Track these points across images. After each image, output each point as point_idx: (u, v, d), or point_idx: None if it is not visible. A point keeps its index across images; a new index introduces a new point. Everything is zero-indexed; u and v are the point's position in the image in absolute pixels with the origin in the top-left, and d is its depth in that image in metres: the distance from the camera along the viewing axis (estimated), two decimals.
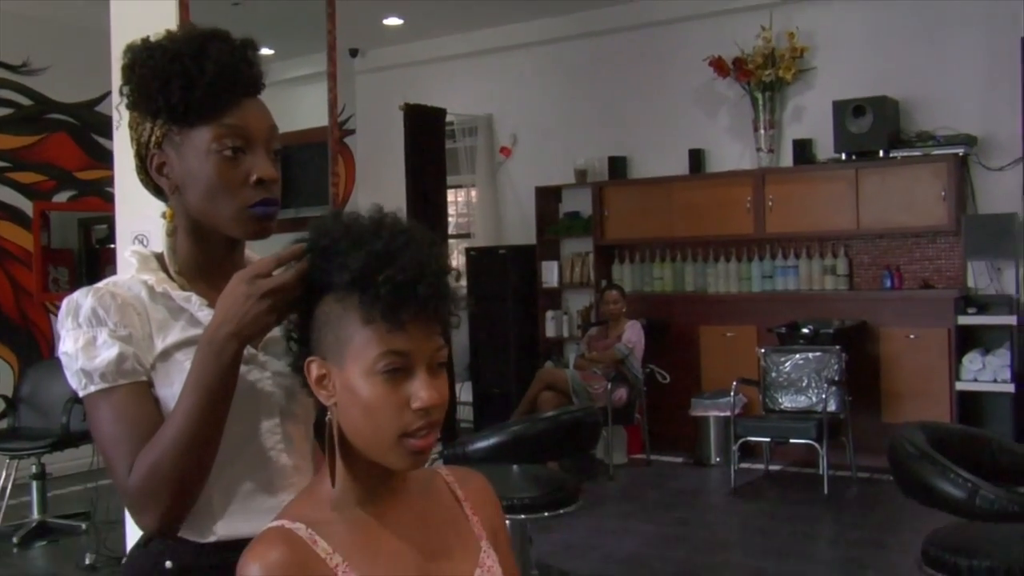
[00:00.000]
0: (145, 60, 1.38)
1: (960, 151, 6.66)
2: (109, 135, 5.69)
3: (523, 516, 3.95)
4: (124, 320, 1.38)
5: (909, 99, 6.98)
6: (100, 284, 1.42)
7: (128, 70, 1.41)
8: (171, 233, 1.46)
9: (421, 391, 1.17)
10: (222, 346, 1.30)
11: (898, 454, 3.24)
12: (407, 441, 1.18)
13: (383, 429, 1.17)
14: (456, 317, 1.24)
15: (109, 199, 6.74)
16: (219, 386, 1.32)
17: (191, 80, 1.37)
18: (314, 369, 1.23)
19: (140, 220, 4.00)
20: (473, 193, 9.15)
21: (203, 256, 1.47)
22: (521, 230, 8.66)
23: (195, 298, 1.43)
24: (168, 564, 1.39)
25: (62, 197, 7.68)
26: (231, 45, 1.40)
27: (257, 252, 1.55)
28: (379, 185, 8.49)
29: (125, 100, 1.43)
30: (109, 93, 5.10)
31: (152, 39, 1.41)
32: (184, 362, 1.37)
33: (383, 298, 1.15)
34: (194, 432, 1.31)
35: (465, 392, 8.45)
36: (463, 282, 8.54)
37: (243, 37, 1.43)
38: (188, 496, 1.35)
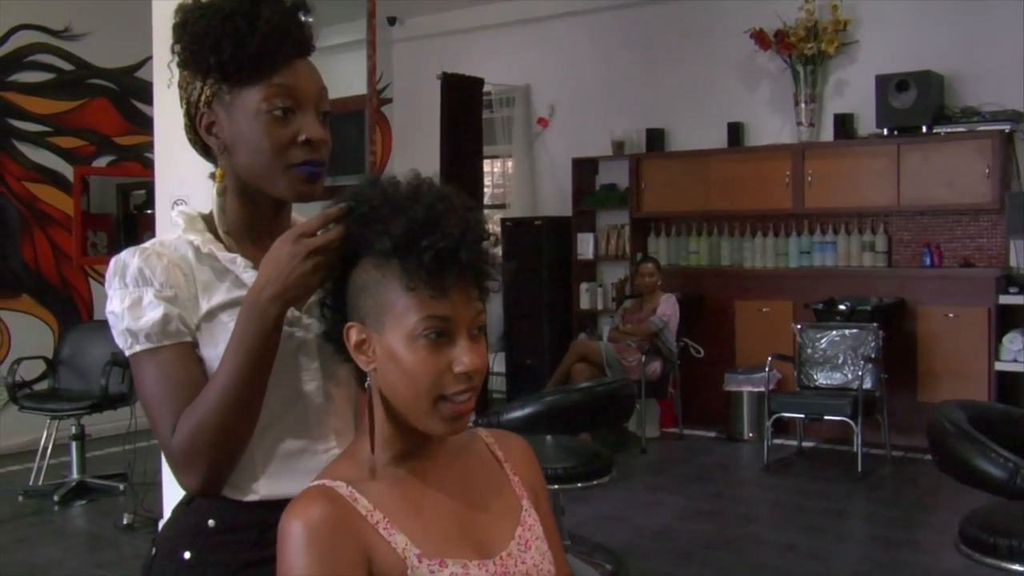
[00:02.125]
0: (197, 19, 1.38)
1: (1006, 128, 6.54)
2: (149, 101, 5.72)
3: (556, 487, 3.97)
4: (170, 281, 1.39)
5: (954, 74, 6.85)
6: (147, 244, 1.43)
7: (180, 28, 1.40)
8: (221, 193, 1.46)
9: (464, 356, 1.18)
10: (265, 308, 1.31)
11: (938, 432, 3.21)
12: (446, 406, 1.19)
13: (423, 394, 1.18)
14: (496, 282, 1.24)
15: (148, 165, 6.79)
16: (262, 348, 1.32)
17: (243, 39, 1.36)
18: (353, 335, 1.23)
19: (179, 185, 4.03)
20: (509, 164, 9.12)
21: (251, 217, 1.47)
22: (557, 201, 8.62)
23: (240, 259, 1.43)
24: (211, 522, 1.41)
25: (101, 162, 7.75)
26: (282, 5, 1.40)
27: (303, 215, 1.55)
28: (415, 154, 8.47)
29: (176, 59, 1.43)
30: (149, 59, 5.11)
31: None
32: (229, 323, 1.37)
33: (426, 264, 1.15)
34: (237, 394, 1.32)
35: (498, 363, 8.46)
36: (499, 249, 8.54)
37: None
38: (230, 457, 1.36)
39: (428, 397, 1.18)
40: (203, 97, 1.42)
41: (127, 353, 1.39)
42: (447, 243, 1.16)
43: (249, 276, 1.40)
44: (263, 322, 1.31)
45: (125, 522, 5.20)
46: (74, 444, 5.95)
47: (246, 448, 1.38)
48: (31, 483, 5.99)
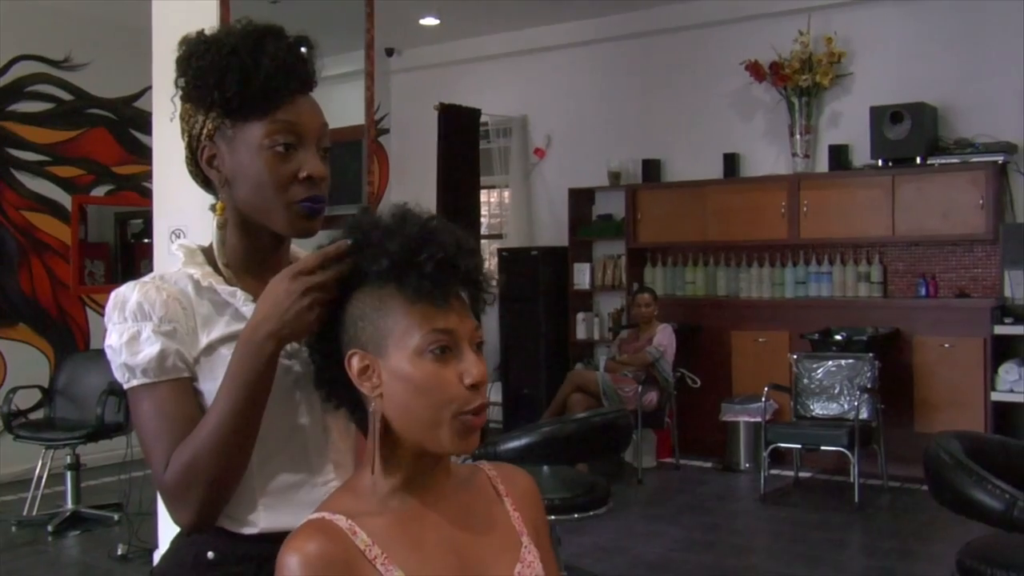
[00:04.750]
0: (202, 53, 1.39)
1: (999, 159, 6.58)
2: (147, 130, 5.75)
3: (553, 517, 3.95)
4: (169, 315, 1.39)
5: (948, 106, 6.91)
6: (147, 278, 1.44)
7: (184, 62, 1.41)
8: (221, 226, 1.47)
9: (472, 368, 1.20)
10: (261, 345, 1.31)
11: (934, 463, 3.21)
12: (463, 419, 1.19)
13: (438, 408, 1.19)
14: (491, 294, 1.27)
15: (145, 194, 6.81)
16: (256, 385, 1.32)
17: (247, 75, 1.37)
18: (356, 362, 1.23)
19: (176, 215, 4.05)
20: (506, 194, 9.15)
21: (250, 250, 1.48)
22: (553, 232, 8.66)
23: (240, 293, 1.43)
24: (210, 555, 1.40)
25: (99, 191, 7.76)
26: (286, 42, 1.41)
27: (303, 249, 1.55)
28: (412, 185, 8.51)
29: (179, 92, 1.44)
30: (148, 89, 5.14)
31: (208, 32, 1.42)
32: (228, 356, 1.37)
33: (428, 275, 1.17)
34: (230, 430, 1.32)
35: (495, 392, 8.44)
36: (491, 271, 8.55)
37: (297, 34, 1.43)
38: (222, 493, 1.35)
39: (445, 411, 1.19)
40: (205, 130, 1.43)
41: (124, 387, 1.39)
42: (446, 252, 1.18)
43: (249, 309, 1.40)
44: (258, 359, 1.31)
45: (120, 553, 5.16)
46: (69, 474, 5.92)
47: (238, 484, 1.37)
48: (25, 513, 5.95)
